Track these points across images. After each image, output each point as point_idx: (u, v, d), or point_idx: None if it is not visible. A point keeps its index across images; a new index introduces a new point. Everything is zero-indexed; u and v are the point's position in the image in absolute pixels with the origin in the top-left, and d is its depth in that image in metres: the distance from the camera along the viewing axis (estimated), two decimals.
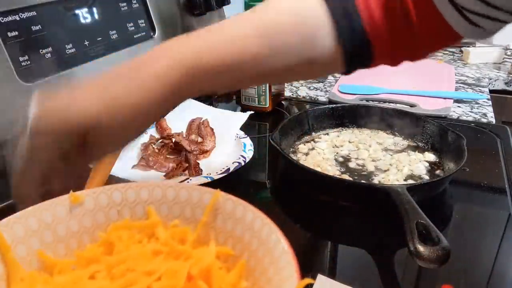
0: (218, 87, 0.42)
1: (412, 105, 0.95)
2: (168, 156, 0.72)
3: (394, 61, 0.47)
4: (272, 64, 0.41)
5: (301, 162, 0.70)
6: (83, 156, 0.37)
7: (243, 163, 0.69)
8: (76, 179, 0.38)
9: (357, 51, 0.43)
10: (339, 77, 1.16)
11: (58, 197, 0.35)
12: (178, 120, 0.81)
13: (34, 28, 0.63)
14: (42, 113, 0.35)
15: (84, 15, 0.71)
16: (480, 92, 1.04)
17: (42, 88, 0.39)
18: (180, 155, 0.72)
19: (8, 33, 0.59)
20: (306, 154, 0.73)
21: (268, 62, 0.41)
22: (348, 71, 0.46)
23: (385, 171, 0.68)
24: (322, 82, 1.14)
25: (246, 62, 0.39)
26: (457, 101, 0.99)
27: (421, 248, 0.44)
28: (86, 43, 0.71)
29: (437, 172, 0.67)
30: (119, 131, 0.36)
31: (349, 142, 0.77)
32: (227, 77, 0.40)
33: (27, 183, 0.37)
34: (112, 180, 0.50)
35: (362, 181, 0.65)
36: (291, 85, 1.12)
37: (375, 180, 0.65)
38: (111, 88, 0.35)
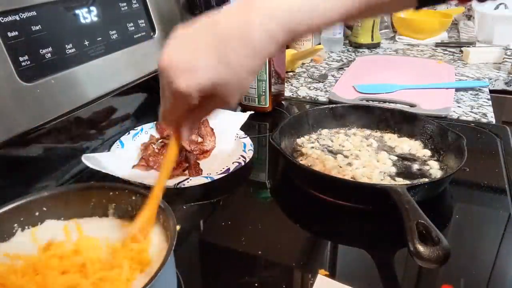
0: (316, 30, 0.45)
1: (412, 105, 0.95)
2: None
3: None
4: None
5: (301, 162, 0.70)
6: (205, 108, 0.44)
7: (243, 163, 0.69)
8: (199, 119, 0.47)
9: None
10: (339, 77, 1.16)
11: None
12: None
13: (34, 28, 0.63)
14: (169, 73, 0.40)
15: (84, 15, 0.71)
16: (480, 92, 1.04)
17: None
18: (180, 155, 0.72)
19: (8, 33, 0.59)
20: (306, 154, 0.73)
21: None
22: (420, 4, 0.45)
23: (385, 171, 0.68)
24: (322, 82, 1.14)
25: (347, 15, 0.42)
26: (457, 101, 0.99)
27: (421, 248, 0.44)
28: (86, 43, 0.71)
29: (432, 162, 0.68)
30: (237, 86, 0.42)
31: (349, 142, 0.77)
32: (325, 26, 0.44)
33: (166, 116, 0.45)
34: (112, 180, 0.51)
35: (362, 181, 0.65)
36: (291, 85, 1.12)
37: (374, 180, 0.65)
38: (230, 55, 0.40)
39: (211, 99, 0.42)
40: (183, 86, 0.39)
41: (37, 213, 0.49)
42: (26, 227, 0.48)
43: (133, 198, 0.49)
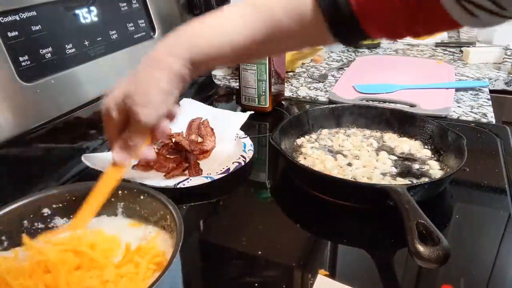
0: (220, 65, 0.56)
1: (412, 105, 0.95)
2: (168, 156, 0.72)
3: (391, 34, 0.47)
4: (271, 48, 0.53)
5: (301, 162, 0.70)
6: (129, 129, 0.50)
7: (243, 163, 0.69)
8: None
9: (338, 16, 0.45)
10: (339, 77, 1.16)
11: None
12: (178, 120, 0.81)
13: (34, 28, 0.63)
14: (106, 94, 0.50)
15: (84, 15, 0.71)
16: (480, 92, 1.04)
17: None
18: (180, 155, 0.72)
19: (8, 33, 0.59)
20: (306, 154, 0.73)
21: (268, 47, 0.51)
22: (340, 39, 0.48)
23: (385, 172, 0.68)
24: (322, 82, 1.14)
25: (250, 47, 0.49)
26: (457, 101, 0.99)
27: (421, 248, 0.44)
28: (86, 43, 0.71)
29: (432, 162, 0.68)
30: (143, 97, 0.48)
31: (349, 142, 0.76)
32: (228, 61, 0.55)
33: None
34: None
35: (362, 181, 0.65)
36: (291, 85, 1.12)
37: (374, 180, 0.65)
38: (138, 71, 0.49)
39: (129, 117, 0.48)
40: (105, 100, 0.49)
41: (45, 211, 0.49)
42: (35, 224, 0.49)
43: (141, 197, 0.50)
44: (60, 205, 0.50)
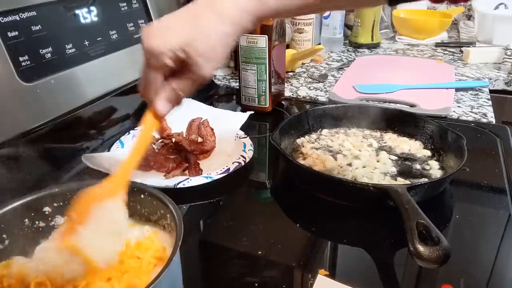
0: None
1: (412, 105, 0.95)
2: (168, 156, 0.72)
3: None
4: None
5: (301, 162, 0.70)
6: (180, 78, 0.46)
7: (243, 163, 0.69)
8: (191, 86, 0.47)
9: None
10: (339, 77, 1.16)
11: None
12: (178, 120, 0.81)
13: (34, 28, 0.63)
14: (145, 37, 0.44)
15: (84, 15, 0.71)
16: (480, 92, 1.04)
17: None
18: (180, 155, 0.72)
19: (8, 33, 0.59)
20: (306, 154, 0.73)
21: None
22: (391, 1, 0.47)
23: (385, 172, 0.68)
24: (322, 82, 1.14)
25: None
26: (457, 101, 0.99)
27: (421, 248, 0.44)
28: (86, 43, 0.71)
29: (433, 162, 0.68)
30: (207, 48, 0.44)
31: (349, 142, 0.77)
32: (293, 14, 0.49)
33: (147, 86, 0.46)
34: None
35: (362, 181, 0.65)
36: (291, 85, 1.12)
37: (375, 180, 0.65)
38: (199, 19, 0.44)
39: (185, 67, 0.44)
40: (154, 44, 0.43)
41: (47, 209, 0.50)
42: (36, 223, 0.49)
43: (142, 196, 0.50)
44: (61, 203, 0.50)
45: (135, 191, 0.50)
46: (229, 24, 0.44)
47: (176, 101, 0.47)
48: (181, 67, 0.45)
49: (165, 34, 0.43)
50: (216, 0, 0.45)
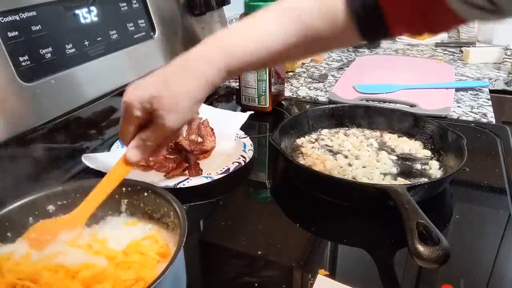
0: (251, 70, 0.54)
1: (412, 105, 0.95)
2: (168, 156, 0.72)
3: (412, 29, 0.48)
4: (304, 49, 0.50)
5: (301, 162, 0.70)
6: (150, 130, 0.49)
7: (243, 163, 0.69)
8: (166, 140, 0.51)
9: (368, 16, 0.46)
10: (339, 77, 1.16)
11: None
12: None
13: (34, 28, 0.63)
14: (127, 90, 0.48)
15: (84, 15, 0.71)
16: (480, 92, 1.04)
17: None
18: (180, 155, 0.72)
19: (8, 33, 0.59)
20: (306, 154, 0.73)
21: (302, 48, 0.49)
22: (366, 39, 0.49)
23: (385, 172, 0.68)
24: (322, 82, 1.14)
25: (283, 52, 0.48)
26: (457, 101, 0.99)
27: (421, 248, 0.44)
28: (86, 43, 0.71)
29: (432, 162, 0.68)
30: (172, 102, 0.47)
31: (349, 142, 0.76)
32: (261, 66, 0.52)
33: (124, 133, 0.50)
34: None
35: (362, 181, 0.65)
36: (291, 85, 1.12)
37: (375, 180, 0.65)
38: (168, 75, 0.48)
39: (153, 119, 0.47)
40: (127, 97, 0.47)
41: (50, 208, 0.50)
42: (40, 220, 0.49)
43: (145, 194, 0.51)
44: (65, 202, 0.51)
45: (138, 189, 0.51)
46: (193, 78, 0.47)
47: (146, 151, 0.50)
48: (150, 119, 0.48)
49: (138, 89, 0.47)
50: (189, 58, 0.48)
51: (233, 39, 0.48)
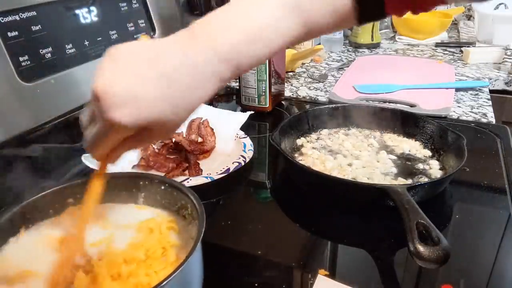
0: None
1: (412, 105, 0.95)
2: (168, 156, 0.72)
3: (401, 7, 0.47)
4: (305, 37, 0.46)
5: (301, 162, 0.70)
6: (138, 140, 0.41)
7: (243, 163, 0.69)
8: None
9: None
10: (339, 77, 1.16)
11: None
12: None
13: (34, 28, 0.63)
14: (106, 102, 0.36)
15: (84, 15, 0.71)
16: (480, 92, 1.04)
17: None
18: (180, 155, 0.72)
19: (8, 33, 0.59)
20: (306, 154, 0.73)
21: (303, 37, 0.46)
22: (359, 23, 0.47)
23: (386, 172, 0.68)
24: (322, 82, 1.14)
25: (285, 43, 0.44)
26: (457, 101, 0.99)
27: (421, 248, 0.44)
28: (86, 43, 0.71)
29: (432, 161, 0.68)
30: (176, 124, 0.41)
31: (349, 142, 0.76)
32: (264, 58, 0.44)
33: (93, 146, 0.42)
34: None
35: (362, 181, 0.65)
36: (291, 85, 1.12)
37: (375, 180, 0.65)
38: (175, 94, 0.38)
39: (146, 132, 0.39)
40: (123, 119, 0.36)
41: (71, 201, 0.51)
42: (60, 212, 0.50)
43: (162, 188, 0.51)
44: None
45: (155, 182, 0.52)
46: (201, 99, 0.40)
47: (115, 158, 0.44)
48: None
49: (134, 107, 0.36)
50: (196, 72, 0.39)
51: (239, 46, 0.41)
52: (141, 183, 0.52)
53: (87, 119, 0.41)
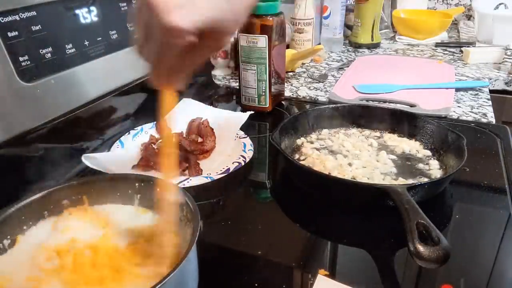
0: None
1: (412, 105, 0.95)
2: None
3: None
4: None
5: (301, 162, 0.70)
6: (199, 51, 0.39)
7: (243, 163, 0.69)
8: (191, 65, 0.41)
9: None
10: (339, 77, 1.16)
11: None
12: (178, 120, 0.81)
13: (34, 28, 0.63)
14: (163, 7, 0.34)
15: (84, 15, 0.71)
16: (480, 92, 1.04)
17: None
18: (180, 155, 0.72)
19: (8, 33, 0.59)
20: (306, 154, 0.73)
21: None
22: None
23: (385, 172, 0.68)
24: (322, 82, 1.14)
25: None
26: (457, 101, 0.99)
27: (421, 248, 0.44)
28: (86, 43, 0.71)
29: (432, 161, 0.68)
30: (234, 23, 0.39)
31: (349, 142, 0.76)
32: None
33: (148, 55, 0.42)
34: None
35: (362, 181, 0.65)
36: (291, 85, 1.12)
37: (375, 180, 0.65)
38: None
39: (205, 39, 0.38)
40: (181, 22, 0.34)
41: (65, 202, 0.51)
42: (55, 215, 0.50)
43: (158, 189, 0.51)
44: (79, 196, 0.51)
45: (151, 184, 0.51)
46: None
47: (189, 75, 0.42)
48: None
49: (192, 8, 0.35)
50: None
51: None
52: (137, 185, 0.52)
53: (142, 40, 0.41)
